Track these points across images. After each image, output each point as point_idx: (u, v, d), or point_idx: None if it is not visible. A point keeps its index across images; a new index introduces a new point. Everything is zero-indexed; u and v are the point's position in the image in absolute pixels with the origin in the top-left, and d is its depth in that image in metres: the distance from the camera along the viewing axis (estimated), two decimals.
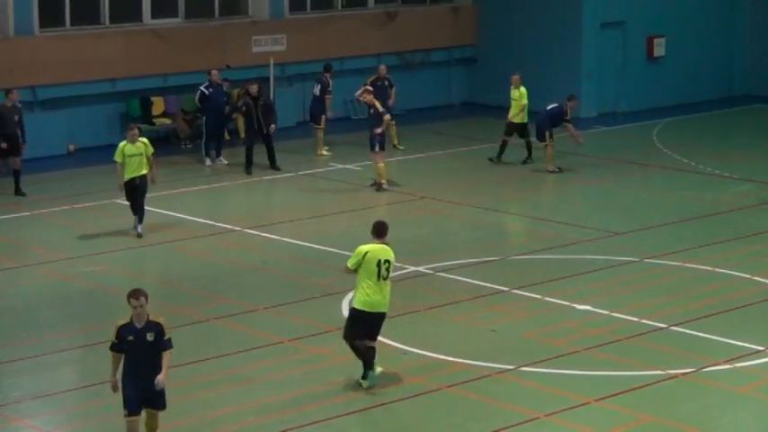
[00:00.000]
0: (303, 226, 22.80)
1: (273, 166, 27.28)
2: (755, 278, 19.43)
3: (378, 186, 25.29)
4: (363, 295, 14.92)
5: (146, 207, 21.91)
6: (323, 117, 29.08)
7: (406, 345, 16.52)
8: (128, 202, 22.09)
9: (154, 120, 30.06)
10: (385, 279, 14.95)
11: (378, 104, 25.46)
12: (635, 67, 34.64)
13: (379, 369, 15.21)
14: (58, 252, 20.93)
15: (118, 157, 21.68)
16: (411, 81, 33.69)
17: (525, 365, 15.82)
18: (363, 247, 14.98)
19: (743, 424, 14.54)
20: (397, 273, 19.75)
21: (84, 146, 28.81)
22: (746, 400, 15.00)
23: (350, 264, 15.05)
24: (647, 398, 14.86)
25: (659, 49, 34.90)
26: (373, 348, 15.17)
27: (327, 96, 29.32)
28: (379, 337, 16.65)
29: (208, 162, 28.03)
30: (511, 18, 34.66)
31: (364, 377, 15.12)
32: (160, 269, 20.44)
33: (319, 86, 29.41)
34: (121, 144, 21.75)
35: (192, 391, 15.08)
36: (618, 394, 14.90)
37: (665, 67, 35.11)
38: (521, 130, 27.79)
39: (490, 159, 27.79)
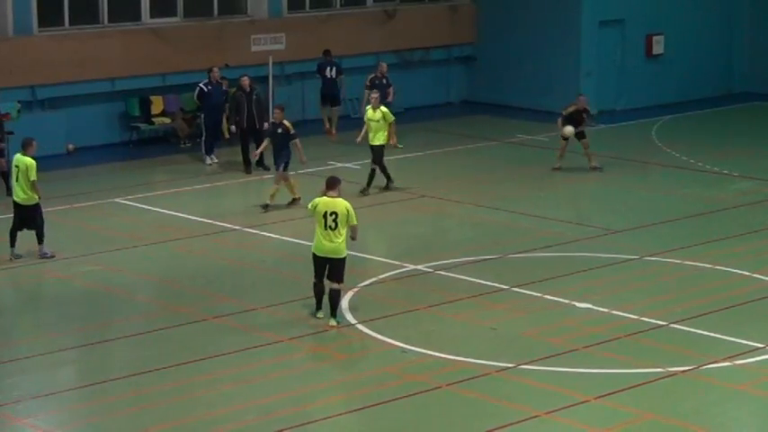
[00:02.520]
0: (302, 225, 22.75)
1: (261, 163, 27.16)
2: (755, 275, 19.43)
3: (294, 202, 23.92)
4: (316, 241, 17.01)
5: (145, 206, 21.85)
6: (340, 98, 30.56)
7: (405, 343, 16.51)
8: (17, 227, 20.49)
9: (153, 119, 30.07)
10: (333, 229, 16.76)
11: (289, 125, 23.76)
12: (634, 65, 34.62)
13: (333, 322, 17.07)
14: (58, 252, 20.89)
15: (35, 175, 20.09)
16: (410, 79, 33.68)
17: (525, 363, 15.82)
18: (315, 200, 17.06)
19: (742, 421, 14.53)
20: (396, 271, 19.86)
21: (83, 146, 28.83)
22: (746, 397, 15.00)
23: (308, 213, 17.36)
24: (646, 395, 14.86)
25: (658, 46, 34.88)
26: (337, 291, 17.11)
27: (341, 77, 30.44)
28: (379, 335, 16.81)
29: (208, 161, 28.00)
30: (510, 16, 34.65)
31: (332, 316, 17.14)
32: (160, 269, 20.43)
33: (335, 69, 30.40)
34: (33, 162, 20.11)
35: (192, 391, 15.08)
36: (618, 392, 14.90)
37: (664, 64, 35.09)
38: (379, 152, 24.74)
39: (362, 192, 24.72)
